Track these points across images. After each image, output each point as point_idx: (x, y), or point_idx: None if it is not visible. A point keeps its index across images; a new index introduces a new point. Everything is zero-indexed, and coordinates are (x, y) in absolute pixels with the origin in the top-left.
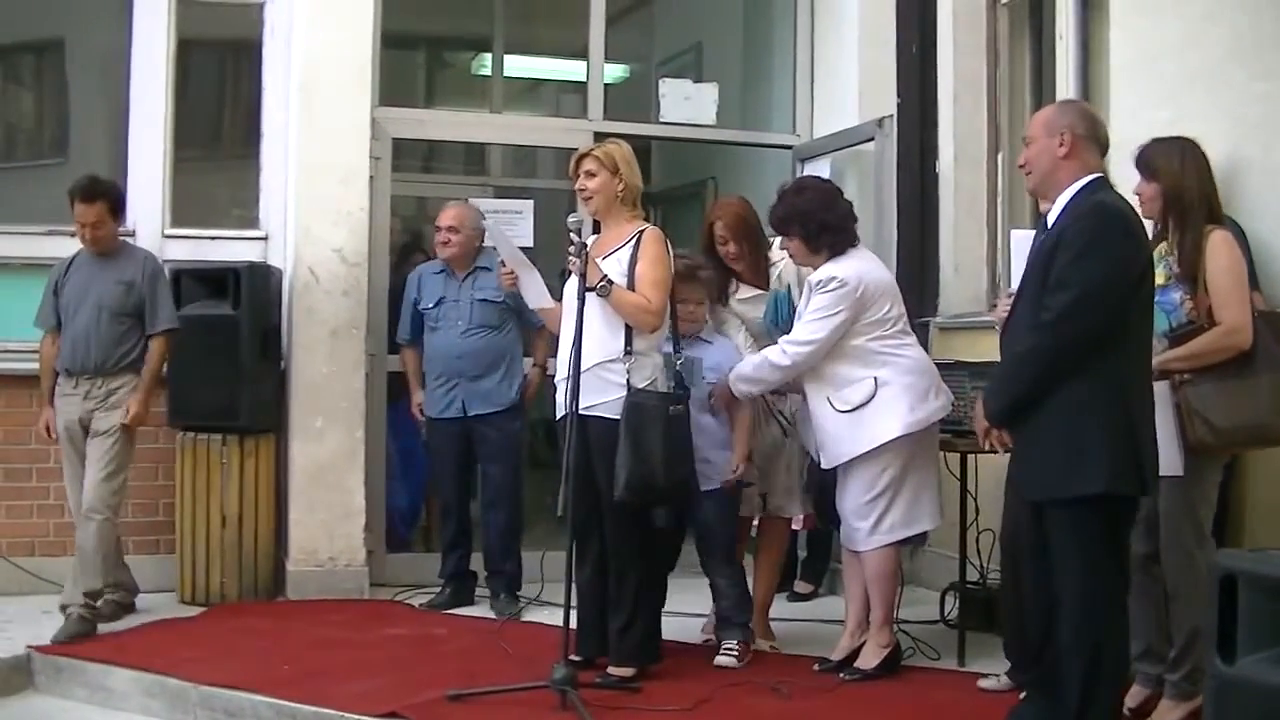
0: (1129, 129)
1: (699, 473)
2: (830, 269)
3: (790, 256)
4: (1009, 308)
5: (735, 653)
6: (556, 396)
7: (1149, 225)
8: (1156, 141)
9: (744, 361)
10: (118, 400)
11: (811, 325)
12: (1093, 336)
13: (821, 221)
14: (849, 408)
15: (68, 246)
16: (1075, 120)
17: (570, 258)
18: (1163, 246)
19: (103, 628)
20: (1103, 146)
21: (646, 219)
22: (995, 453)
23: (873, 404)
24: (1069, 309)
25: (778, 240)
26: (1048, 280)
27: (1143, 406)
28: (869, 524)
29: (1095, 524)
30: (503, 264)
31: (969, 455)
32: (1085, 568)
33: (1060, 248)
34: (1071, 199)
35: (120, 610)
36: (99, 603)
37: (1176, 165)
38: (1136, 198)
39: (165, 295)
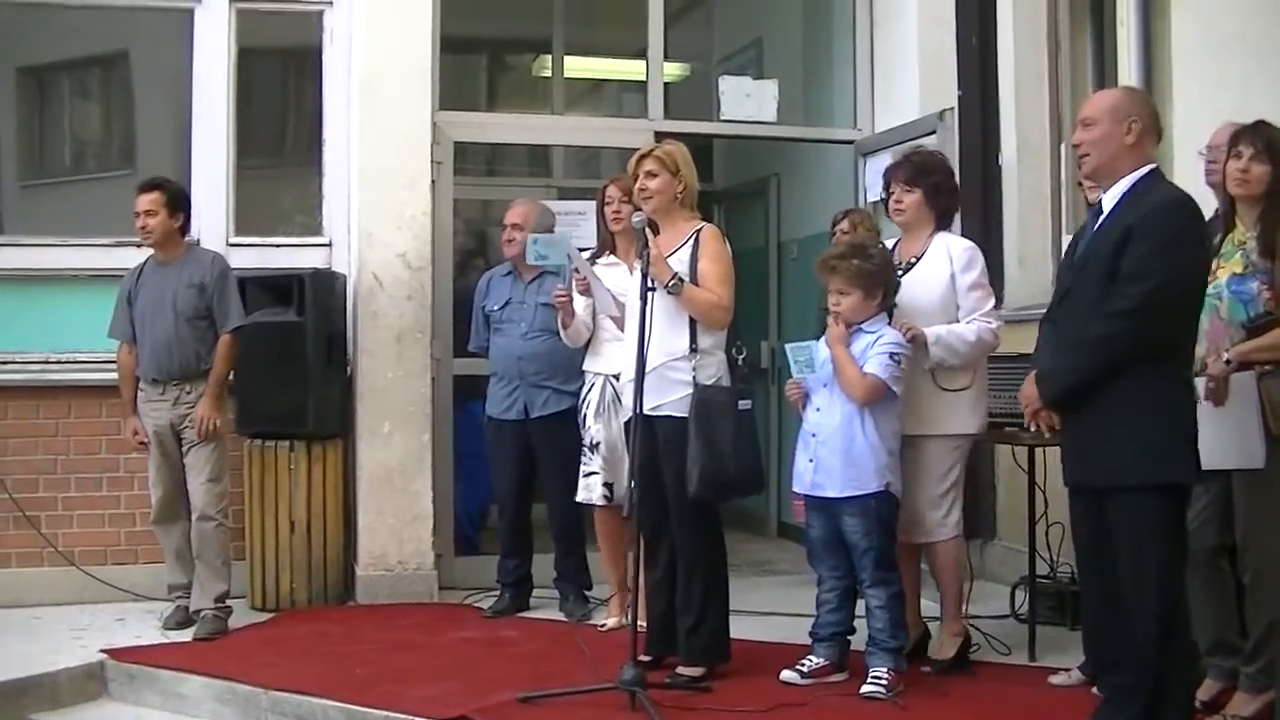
0: (1193, 115)
1: (851, 477)
2: (967, 243)
3: (899, 209)
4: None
5: (884, 682)
6: (622, 398)
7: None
8: (1264, 123)
9: (960, 335)
10: None
11: (988, 298)
12: (1169, 328)
13: (951, 187)
14: (953, 388)
15: (135, 258)
16: (1142, 110)
17: (639, 258)
18: (1236, 234)
19: (174, 634)
20: (1159, 139)
21: (706, 219)
22: (1044, 436)
23: (969, 392)
24: (1149, 299)
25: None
26: (1118, 270)
27: (1193, 400)
28: (941, 514)
29: (1170, 510)
30: (576, 271)
31: (1036, 449)
32: (1163, 554)
33: (1135, 240)
34: (1131, 188)
35: (189, 616)
36: (226, 602)
37: None
38: (1241, 175)
39: (233, 293)
